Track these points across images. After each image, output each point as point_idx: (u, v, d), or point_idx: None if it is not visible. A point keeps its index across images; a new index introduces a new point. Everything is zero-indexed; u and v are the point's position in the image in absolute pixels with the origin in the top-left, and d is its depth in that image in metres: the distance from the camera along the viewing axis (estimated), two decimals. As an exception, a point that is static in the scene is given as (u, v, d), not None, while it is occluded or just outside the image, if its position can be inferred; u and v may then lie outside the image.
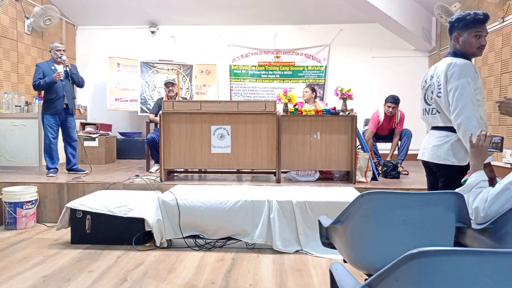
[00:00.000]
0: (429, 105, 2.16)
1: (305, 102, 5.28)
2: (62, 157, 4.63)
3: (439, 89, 2.05)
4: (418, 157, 2.28)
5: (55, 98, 4.37)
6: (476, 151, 1.65)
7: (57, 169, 4.46)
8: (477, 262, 0.77)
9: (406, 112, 5.13)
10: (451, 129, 2.03)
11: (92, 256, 2.87)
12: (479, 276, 0.77)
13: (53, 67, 4.42)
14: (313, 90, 5.34)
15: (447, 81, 2.00)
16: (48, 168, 4.41)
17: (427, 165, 2.23)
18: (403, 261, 0.80)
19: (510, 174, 1.42)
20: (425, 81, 2.21)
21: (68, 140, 4.59)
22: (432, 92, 2.12)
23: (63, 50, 4.47)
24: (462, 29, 2.02)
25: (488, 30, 4.88)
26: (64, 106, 4.44)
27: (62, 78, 4.34)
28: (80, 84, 4.62)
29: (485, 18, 1.98)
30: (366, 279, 0.97)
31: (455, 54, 2.07)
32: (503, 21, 4.64)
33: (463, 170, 1.98)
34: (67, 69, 4.42)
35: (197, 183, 3.99)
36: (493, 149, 1.66)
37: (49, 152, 4.43)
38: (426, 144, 2.19)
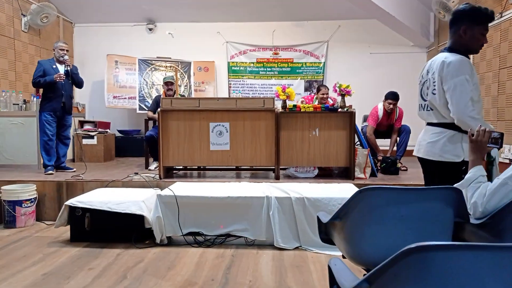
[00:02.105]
0: (425, 100, 2.13)
1: (319, 100, 5.17)
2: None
3: (434, 86, 2.01)
4: (413, 153, 2.26)
5: (53, 96, 4.41)
6: (475, 146, 1.65)
7: (54, 166, 4.46)
8: (475, 257, 0.77)
9: (405, 108, 5.13)
10: (445, 126, 2.00)
11: (91, 254, 2.88)
12: (477, 271, 0.77)
13: (54, 66, 4.48)
14: None
15: (443, 79, 1.95)
16: (46, 166, 4.41)
17: (422, 161, 2.20)
18: (401, 256, 0.81)
19: (508, 169, 1.42)
20: (422, 76, 2.17)
21: (62, 138, 4.62)
22: (427, 88, 2.09)
23: (67, 50, 4.56)
24: (473, 23, 1.94)
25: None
26: (62, 105, 4.47)
27: (63, 80, 4.38)
28: (80, 85, 4.71)
29: (493, 17, 1.94)
30: (364, 275, 0.97)
31: (452, 49, 2.02)
32: (501, 16, 4.64)
33: (458, 167, 1.97)
34: (68, 68, 4.50)
35: (196, 180, 3.99)
36: (492, 144, 1.66)
37: (47, 149, 4.43)
38: (422, 141, 2.17)
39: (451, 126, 1.99)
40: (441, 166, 2.04)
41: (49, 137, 4.42)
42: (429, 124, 2.14)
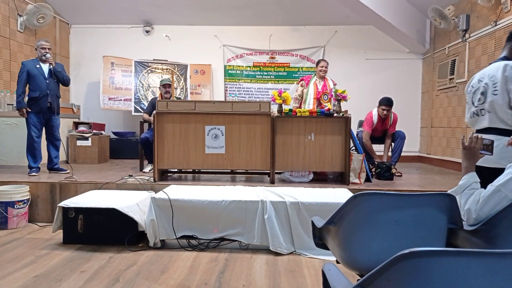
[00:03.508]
0: (476, 106, 2.20)
1: (319, 78, 5.04)
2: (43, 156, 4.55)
3: (495, 87, 2.08)
4: None
5: (38, 96, 4.33)
6: (468, 153, 1.66)
7: (39, 168, 4.41)
8: (467, 263, 0.77)
9: (399, 114, 5.16)
10: (499, 132, 2.04)
11: (84, 256, 2.85)
12: (469, 277, 0.78)
13: (38, 66, 4.40)
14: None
15: (508, 79, 2.05)
16: (30, 168, 4.35)
17: (477, 169, 2.22)
18: (395, 261, 0.81)
19: (501, 176, 1.43)
20: (472, 85, 2.26)
21: (52, 140, 4.55)
22: (482, 94, 2.15)
23: (49, 49, 4.47)
24: None
25: (481, 33, 4.97)
26: (48, 105, 4.39)
27: (24, 117, 4.32)
28: (65, 83, 4.61)
29: None
30: (358, 280, 0.97)
31: (508, 58, 2.15)
32: (495, 24, 4.69)
33: None
34: (51, 67, 4.41)
35: (191, 184, 3.98)
36: (484, 151, 1.67)
37: (32, 151, 4.38)
38: None
39: (508, 132, 2.02)
40: (496, 173, 1.92)
41: (34, 139, 4.36)
42: (479, 131, 2.18)
